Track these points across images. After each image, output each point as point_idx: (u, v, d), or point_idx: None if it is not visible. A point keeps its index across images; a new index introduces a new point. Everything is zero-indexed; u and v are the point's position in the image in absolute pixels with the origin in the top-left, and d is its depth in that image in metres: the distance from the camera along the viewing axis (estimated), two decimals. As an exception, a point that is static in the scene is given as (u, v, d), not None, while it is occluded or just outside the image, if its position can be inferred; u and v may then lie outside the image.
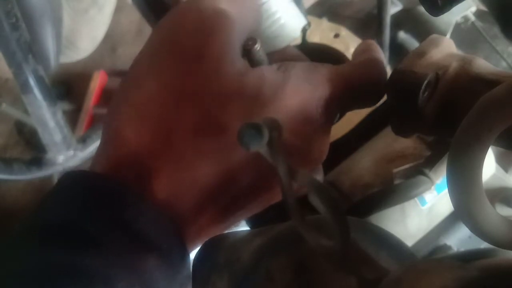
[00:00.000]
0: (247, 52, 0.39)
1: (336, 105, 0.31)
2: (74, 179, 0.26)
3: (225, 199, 0.28)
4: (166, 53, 0.28)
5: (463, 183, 0.21)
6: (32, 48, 0.62)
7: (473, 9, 0.65)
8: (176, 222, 0.26)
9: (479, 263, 0.17)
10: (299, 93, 0.29)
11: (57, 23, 0.85)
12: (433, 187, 0.41)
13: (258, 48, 0.38)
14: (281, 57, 0.35)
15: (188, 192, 0.27)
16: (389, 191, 0.40)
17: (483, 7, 0.63)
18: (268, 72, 0.29)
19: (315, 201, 0.19)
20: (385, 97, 0.32)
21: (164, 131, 0.26)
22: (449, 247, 0.43)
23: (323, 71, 0.30)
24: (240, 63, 0.28)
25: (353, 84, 0.31)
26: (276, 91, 0.28)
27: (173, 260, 0.26)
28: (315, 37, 0.64)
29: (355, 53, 0.35)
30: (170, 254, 0.26)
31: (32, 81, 0.63)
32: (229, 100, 0.27)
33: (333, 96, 0.30)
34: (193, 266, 0.28)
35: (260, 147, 0.20)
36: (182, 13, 0.29)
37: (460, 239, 0.44)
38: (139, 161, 0.26)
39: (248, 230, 0.27)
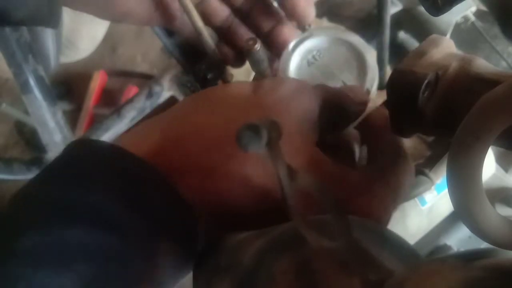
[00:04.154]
0: (247, 52, 0.39)
1: None
2: (105, 154, 0.26)
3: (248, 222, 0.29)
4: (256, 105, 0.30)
5: (463, 183, 0.21)
6: (32, 48, 0.62)
7: (473, 9, 0.65)
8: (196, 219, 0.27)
9: (481, 263, 0.17)
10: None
11: (57, 23, 0.85)
12: (433, 187, 0.41)
13: (258, 48, 0.38)
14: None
15: (216, 204, 0.27)
16: (389, 191, 0.40)
17: (483, 7, 0.63)
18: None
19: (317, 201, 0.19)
20: (385, 97, 0.32)
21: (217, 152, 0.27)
22: (449, 247, 0.43)
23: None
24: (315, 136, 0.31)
25: None
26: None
27: (186, 252, 0.26)
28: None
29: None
30: (186, 246, 0.26)
31: (32, 81, 0.63)
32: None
33: None
34: (194, 268, 0.28)
35: (259, 148, 0.20)
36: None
37: (460, 239, 0.44)
38: (180, 161, 0.27)
39: (249, 231, 0.26)
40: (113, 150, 0.26)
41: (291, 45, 0.40)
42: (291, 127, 0.29)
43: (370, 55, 0.39)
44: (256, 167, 0.27)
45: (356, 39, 0.39)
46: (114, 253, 0.22)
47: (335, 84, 0.38)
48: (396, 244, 0.24)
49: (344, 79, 0.39)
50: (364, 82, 0.39)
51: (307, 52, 0.40)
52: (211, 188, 0.27)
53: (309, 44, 0.40)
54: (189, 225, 0.26)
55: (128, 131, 0.31)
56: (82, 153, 0.26)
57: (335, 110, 0.32)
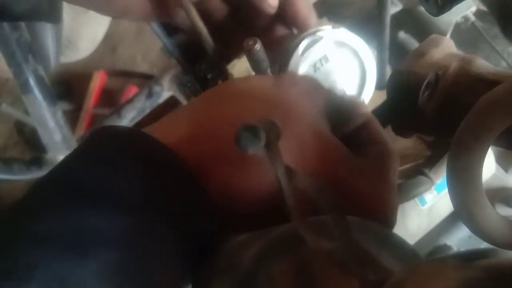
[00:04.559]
0: (248, 52, 0.39)
1: None
2: (129, 140, 0.26)
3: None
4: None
5: (463, 183, 0.21)
6: (32, 48, 0.62)
7: (473, 9, 0.65)
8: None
9: (481, 263, 0.17)
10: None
11: (57, 23, 0.85)
12: (433, 187, 0.41)
13: (258, 48, 0.38)
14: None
15: (240, 197, 0.27)
16: (389, 191, 0.40)
17: (483, 7, 0.63)
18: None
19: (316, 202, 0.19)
20: (385, 97, 0.32)
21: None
22: (449, 247, 0.43)
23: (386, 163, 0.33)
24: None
25: None
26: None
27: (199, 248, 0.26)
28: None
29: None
30: (201, 242, 0.26)
31: (32, 81, 0.63)
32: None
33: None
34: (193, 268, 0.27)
35: (258, 149, 0.20)
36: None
37: (460, 239, 0.44)
38: (210, 147, 0.27)
39: (248, 233, 0.26)
40: (138, 137, 0.26)
41: (301, 48, 0.40)
42: (316, 119, 0.30)
43: (373, 67, 0.39)
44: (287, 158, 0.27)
45: (362, 47, 0.39)
46: (134, 239, 0.22)
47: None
48: (396, 244, 0.24)
49: (345, 87, 0.39)
50: (362, 92, 0.39)
51: (315, 57, 0.40)
52: (241, 177, 0.27)
53: (318, 48, 0.39)
54: (206, 220, 0.26)
55: (153, 123, 0.31)
56: (105, 138, 0.26)
57: (336, 115, 0.33)
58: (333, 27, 0.40)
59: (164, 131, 0.28)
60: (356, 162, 0.30)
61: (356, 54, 0.39)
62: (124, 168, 0.24)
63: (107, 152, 0.25)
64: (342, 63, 0.39)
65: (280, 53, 0.41)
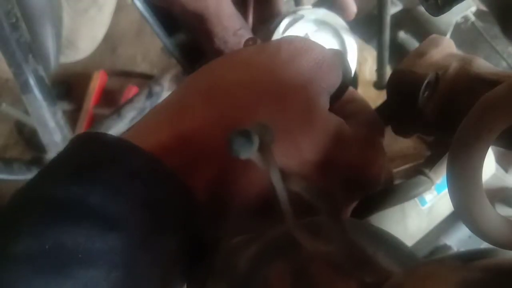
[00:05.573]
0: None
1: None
2: (110, 149, 0.24)
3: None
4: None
5: (463, 183, 0.21)
6: (32, 48, 0.62)
7: (473, 9, 0.65)
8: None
9: (481, 263, 0.17)
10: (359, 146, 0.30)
11: (57, 23, 0.85)
12: (433, 187, 0.41)
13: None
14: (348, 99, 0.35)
15: (229, 199, 0.26)
16: (389, 191, 0.40)
17: (483, 7, 0.63)
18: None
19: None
20: (385, 97, 0.32)
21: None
22: (449, 247, 0.43)
23: (379, 128, 0.33)
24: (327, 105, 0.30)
25: None
26: (345, 140, 0.29)
27: (190, 255, 0.26)
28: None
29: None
30: (191, 248, 0.25)
31: (32, 81, 0.63)
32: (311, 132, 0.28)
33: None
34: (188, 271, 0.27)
35: (251, 154, 0.19)
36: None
37: (460, 239, 0.44)
38: (197, 151, 0.26)
39: (243, 235, 0.26)
40: (119, 144, 0.25)
41: (282, 26, 0.40)
42: (302, 86, 0.29)
43: (353, 47, 0.39)
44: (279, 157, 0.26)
45: (343, 27, 0.39)
46: (117, 257, 0.21)
47: None
48: (392, 244, 0.24)
49: None
50: None
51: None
52: (228, 177, 0.26)
53: (299, 26, 0.39)
54: (195, 225, 0.25)
55: (134, 125, 0.29)
56: (85, 148, 0.25)
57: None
58: (313, 7, 0.40)
59: (143, 135, 0.26)
60: (348, 133, 0.29)
61: (337, 33, 0.39)
62: (105, 181, 0.23)
63: (89, 164, 0.23)
64: (323, 42, 0.39)
65: (262, 33, 0.41)
